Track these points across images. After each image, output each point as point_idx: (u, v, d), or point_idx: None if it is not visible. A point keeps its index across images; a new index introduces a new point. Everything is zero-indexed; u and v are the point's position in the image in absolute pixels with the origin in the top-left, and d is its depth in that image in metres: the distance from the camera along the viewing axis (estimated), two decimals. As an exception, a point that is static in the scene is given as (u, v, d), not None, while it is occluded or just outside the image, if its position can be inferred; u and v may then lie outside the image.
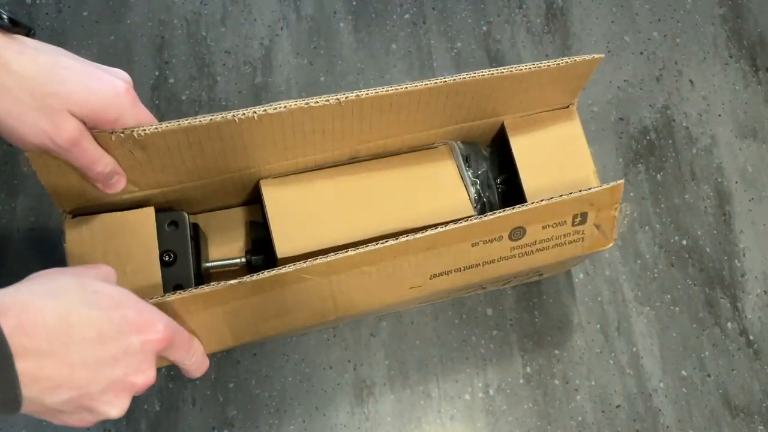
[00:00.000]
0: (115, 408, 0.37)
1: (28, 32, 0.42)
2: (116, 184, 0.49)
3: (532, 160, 0.58)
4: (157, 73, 0.77)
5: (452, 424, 0.67)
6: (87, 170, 0.46)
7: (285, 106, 0.48)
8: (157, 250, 0.51)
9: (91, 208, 0.52)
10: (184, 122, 0.46)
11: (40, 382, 0.33)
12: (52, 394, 0.34)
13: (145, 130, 0.45)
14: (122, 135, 0.45)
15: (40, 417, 0.37)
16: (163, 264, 0.52)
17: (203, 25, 0.80)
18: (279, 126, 0.50)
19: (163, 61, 0.78)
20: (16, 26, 0.41)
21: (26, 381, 0.32)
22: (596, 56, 0.55)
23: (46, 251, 0.70)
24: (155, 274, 0.51)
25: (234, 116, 0.47)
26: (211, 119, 0.47)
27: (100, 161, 0.46)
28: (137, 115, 0.45)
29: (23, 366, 0.32)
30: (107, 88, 0.43)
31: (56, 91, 0.41)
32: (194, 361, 0.46)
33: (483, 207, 0.60)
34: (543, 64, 0.54)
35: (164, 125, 0.46)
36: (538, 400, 0.69)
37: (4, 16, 0.40)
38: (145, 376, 0.39)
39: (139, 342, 0.38)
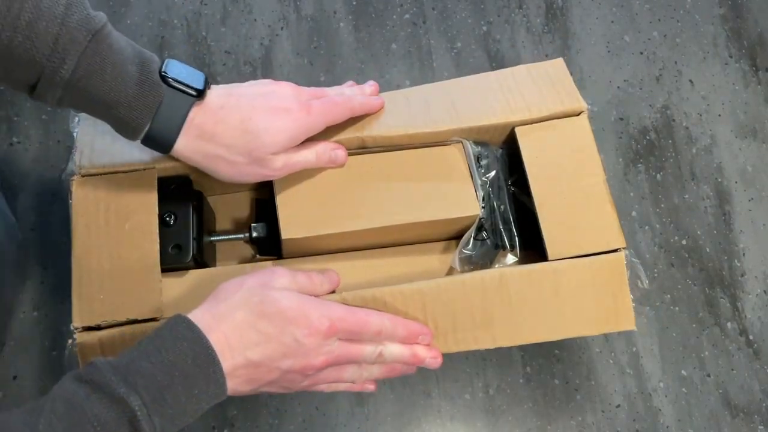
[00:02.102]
0: (298, 384, 0.46)
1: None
2: (339, 157, 0.55)
3: (542, 167, 0.58)
4: (157, 73, 0.77)
5: (452, 424, 0.67)
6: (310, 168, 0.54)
7: None
8: (157, 210, 0.53)
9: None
10: None
11: (234, 378, 0.42)
12: (250, 383, 0.44)
13: None
14: None
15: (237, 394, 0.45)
16: (164, 224, 0.54)
17: (203, 25, 0.80)
18: None
19: (163, 61, 0.78)
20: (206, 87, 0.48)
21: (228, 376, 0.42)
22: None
23: (46, 251, 0.70)
24: (153, 231, 0.53)
25: None
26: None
27: (313, 158, 0.53)
28: (316, 121, 0.51)
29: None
30: (287, 121, 0.49)
31: (256, 146, 0.49)
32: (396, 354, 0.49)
33: (492, 208, 0.60)
34: None
35: None
36: (538, 400, 0.69)
37: (196, 87, 0.47)
38: (312, 364, 0.45)
39: (299, 339, 0.44)
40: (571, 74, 0.60)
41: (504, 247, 0.61)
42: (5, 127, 0.73)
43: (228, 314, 0.43)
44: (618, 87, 0.82)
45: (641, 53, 0.84)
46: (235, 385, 0.43)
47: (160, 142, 0.48)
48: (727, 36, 0.86)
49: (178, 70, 0.47)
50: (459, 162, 0.60)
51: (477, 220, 0.58)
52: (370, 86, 0.57)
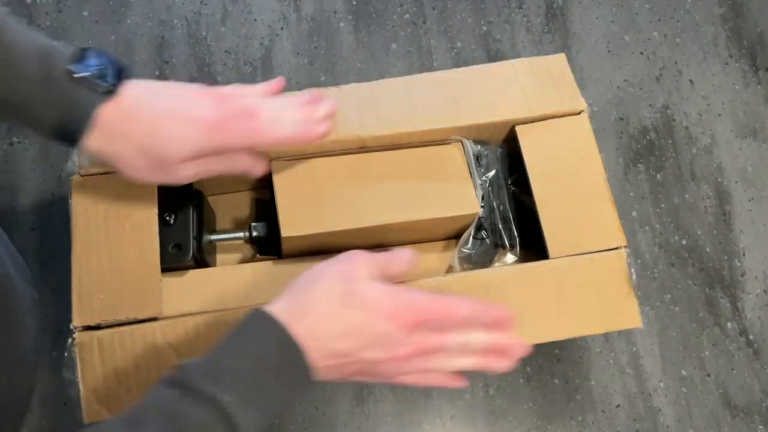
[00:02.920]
0: (385, 372, 0.45)
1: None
2: (260, 166, 0.54)
3: (542, 166, 0.58)
4: (157, 73, 0.77)
5: (452, 424, 0.67)
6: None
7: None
8: (157, 209, 0.53)
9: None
10: None
11: (320, 368, 0.42)
12: (336, 371, 0.43)
13: None
14: None
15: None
16: (164, 223, 0.54)
17: (203, 25, 0.80)
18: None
19: (163, 61, 0.78)
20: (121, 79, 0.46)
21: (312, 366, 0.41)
22: None
23: (46, 251, 0.70)
24: (153, 230, 0.53)
25: None
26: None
27: (234, 165, 0.52)
28: (230, 142, 0.48)
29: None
30: (196, 134, 0.47)
31: (159, 153, 0.46)
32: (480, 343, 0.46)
33: (491, 207, 0.60)
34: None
35: None
36: (538, 399, 0.69)
37: (106, 84, 0.45)
38: (399, 354, 0.43)
39: (384, 330, 0.43)
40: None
41: (504, 246, 0.61)
42: (5, 127, 0.74)
43: (310, 306, 0.42)
44: (618, 87, 0.82)
45: (641, 53, 0.84)
46: (320, 375, 0.42)
47: (68, 139, 0.45)
48: (727, 36, 0.86)
49: (89, 64, 0.44)
50: (459, 161, 0.60)
51: (476, 219, 0.58)
52: (324, 109, 0.53)
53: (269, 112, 0.50)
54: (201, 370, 0.38)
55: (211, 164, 0.49)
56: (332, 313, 0.42)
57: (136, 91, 0.46)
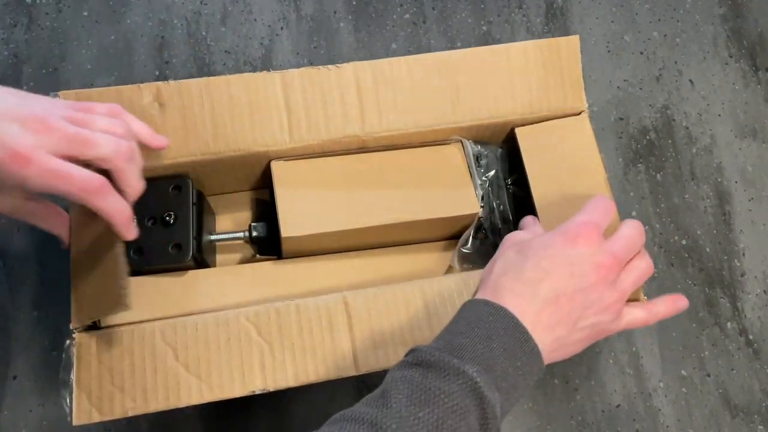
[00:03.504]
0: (610, 313, 0.45)
1: None
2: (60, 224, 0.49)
3: (542, 167, 0.58)
4: (157, 73, 0.77)
5: (452, 424, 0.67)
6: None
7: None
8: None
9: None
10: (202, 79, 0.55)
11: (545, 331, 0.42)
12: (561, 332, 0.43)
13: (170, 82, 0.54)
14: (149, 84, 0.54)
15: (572, 354, 0.45)
16: (164, 224, 0.54)
17: (203, 25, 0.80)
18: (281, 89, 0.55)
19: (163, 61, 0.78)
20: None
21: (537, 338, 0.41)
22: None
23: (46, 250, 0.70)
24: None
25: (239, 76, 0.55)
26: (223, 76, 0.55)
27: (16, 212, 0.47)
28: (32, 182, 0.41)
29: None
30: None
31: None
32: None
33: (491, 207, 0.60)
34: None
35: (184, 80, 0.55)
36: (538, 400, 0.69)
37: None
38: (607, 269, 0.44)
39: (577, 254, 0.44)
40: (571, 74, 0.60)
41: (503, 247, 0.61)
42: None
43: (500, 280, 0.43)
44: (618, 87, 0.82)
45: (641, 53, 0.84)
46: (543, 340, 0.42)
47: None
48: (727, 36, 0.86)
49: None
50: (459, 161, 0.60)
51: (476, 219, 0.59)
52: (157, 141, 0.49)
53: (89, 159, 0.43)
54: (438, 349, 0.39)
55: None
56: (519, 268, 0.43)
57: None
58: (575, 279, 0.43)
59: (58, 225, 0.49)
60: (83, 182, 0.42)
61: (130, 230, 0.47)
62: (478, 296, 0.44)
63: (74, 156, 0.42)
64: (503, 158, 0.62)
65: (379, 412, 0.36)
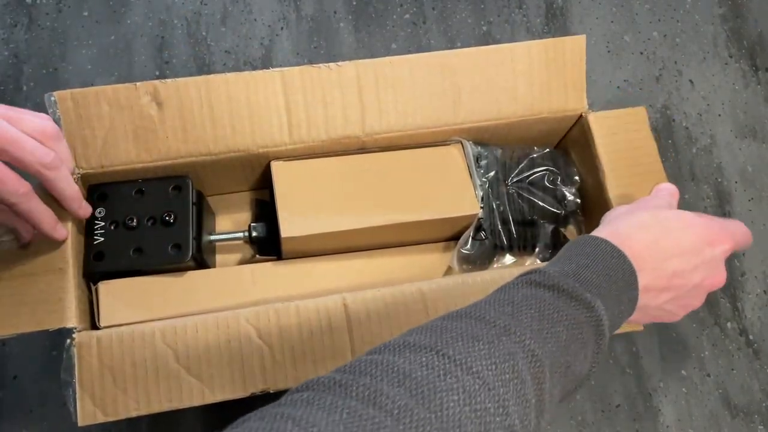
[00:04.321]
0: (697, 302, 0.48)
1: None
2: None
3: (613, 155, 0.59)
4: (157, 73, 0.77)
5: (452, 424, 0.67)
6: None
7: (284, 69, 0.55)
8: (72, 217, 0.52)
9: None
10: (200, 78, 0.54)
11: (649, 291, 0.44)
12: (656, 298, 0.45)
13: (167, 81, 0.53)
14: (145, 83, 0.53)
15: (637, 322, 0.49)
16: (164, 224, 0.54)
17: (203, 25, 0.80)
18: (281, 88, 0.55)
19: (163, 61, 0.78)
20: None
21: (640, 292, 0.43)
22: None
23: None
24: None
25: (237, 74, 0.55)
26: (222, 75, 0.55)
27: None
28: None
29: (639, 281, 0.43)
30: None
31: None
32: None
33: (491, 208, 0.60)
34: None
35: (182, 78, 0.54)
36: (538, 399, 0.69)
37: None
38: (718, 279, 0.47)
39: (710, 253, 0.46)
40: (571, 74, 0.60)
41: (503, 248, 0.61)
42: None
43: (634, 233, 0.44)
44: (618, 87, 0.82)
45: (641, 53, 0.84)
46: (642, 300, 0.44)
47: None
48: (727, 36, 0.85)
49: None
50: (458, 162, 0.60)
51: (476, 220, 0.58)
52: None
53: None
54: (567, 275, 0.40)
55: None
56: (663, 235, 0.44)
57: None
58: (696, 274, 0.45)
59: (16, 221, 0.49)
60: (13, 185, 0.43)
61: (56, 231, 0.49)
62: (601, 235, 0.44)
63: None
64: (504, 157, 0.62)
65: (511, 319, 0.36)
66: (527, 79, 0.58)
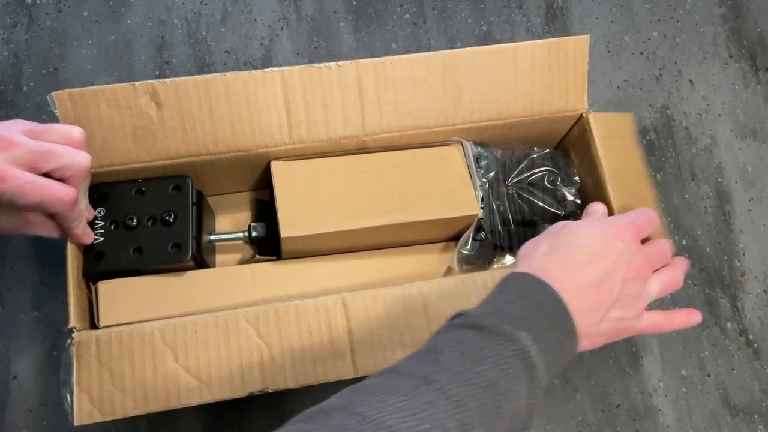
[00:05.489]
0: (641, 299, 0.46)
1: None
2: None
3: (615, 155, 0.59)
4: (157, 73, 0.77)
5: (452, 424, 0.67)
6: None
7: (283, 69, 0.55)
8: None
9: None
10: (199, 78, 0.54)
11: (583, 312, 0.42)
12: (595, 314, 0.43)
13: (165, 81, 0.53)
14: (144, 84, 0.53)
15: (596, 345, 0.45)
16: (164, 223, 0.54)
17: (203, 25, 0.80)
18: (281, 88, 0.55)
19: (163, 61, 0.78)
20: None
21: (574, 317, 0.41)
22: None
23: (46, 251, 0.70)
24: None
25: (237, 74, 0.54)
26: (221, 74, 0.55)
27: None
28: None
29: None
30: None
31: None
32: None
33: (491, 209, 0.60)
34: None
35: (180, 78, 0.54)
36: (538, 400, 0.69)
37: None
38: (640, 266, 0.45)
39: (619, 245, 0.45)
40: (571, 74, 0.60)
41: (503, 248, 0.61)
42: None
43: (547, 258, 0.44)
44: (618, 87, 0.82)
45: (641, 53, 0.84)
46: (582, 322, 0.42)
47: None
48: (727, 36, 0.85)
49: None
50: (459, 162, 0.60)
51: (476, 220, 0.58)
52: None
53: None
54: (489, 314, 0.39)
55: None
56: (566, 252, 0.44)
57: None
58: (618, 270, 0.44)
59: (53, 229, 0.50)
60: (60, 193, 0.45)
61: (88, 236, 0.52)
62: (521, 270, 0.44)
63: (39, 168, 0.44)
64: (504, 158, 0.62)
65: (432, 367, 0.36)
66: (529, 79, 0.58)
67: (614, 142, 0.60)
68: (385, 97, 0.57)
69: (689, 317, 0.50)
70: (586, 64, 0.59)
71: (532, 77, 0.58)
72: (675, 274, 0.49)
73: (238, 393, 0.49)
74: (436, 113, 0.58)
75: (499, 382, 0.36)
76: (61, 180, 0.45)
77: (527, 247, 0.48)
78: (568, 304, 0.41)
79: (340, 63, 0.56)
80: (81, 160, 0.46)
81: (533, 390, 0.37)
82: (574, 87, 0.59)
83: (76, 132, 0.47)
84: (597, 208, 0.53)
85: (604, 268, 0.44)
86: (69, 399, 0.48)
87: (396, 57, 0.57)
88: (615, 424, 0.69)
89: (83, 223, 0.51)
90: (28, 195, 0.43)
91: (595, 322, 0.43)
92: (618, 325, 0.45)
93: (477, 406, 0.34)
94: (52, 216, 0.48)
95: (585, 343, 0.44)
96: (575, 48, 0.59)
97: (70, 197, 0.45)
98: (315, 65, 0.56)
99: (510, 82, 0.58)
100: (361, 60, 0.57)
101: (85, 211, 0.51)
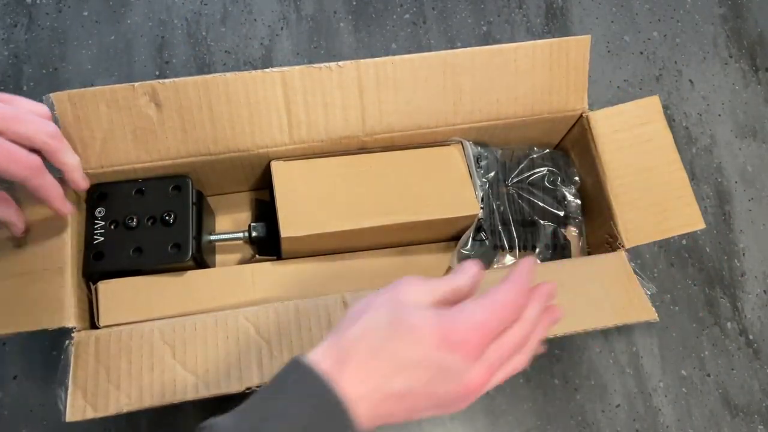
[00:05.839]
0: (456, 403, 0.38)
1: None
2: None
3: (615, 154, 0.59)
4: (157, 73, 0.77)
5: (452, 424, 0.67)
6: None
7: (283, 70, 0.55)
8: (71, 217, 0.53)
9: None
10: (199, 78, 0.54)
11: (373, 418, 0.36)
12: (389, 417, 0.37)
13: (165, 81, 0.53)
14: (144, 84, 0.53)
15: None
16: (164, 223, 0.54)
17: (203, 25, 0.80)
18: (281, 89, 0.54)
19: (163, 61, 0.78)
20: None
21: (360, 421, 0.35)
22: None
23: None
24: (65, 235, 0.52)
25: (237, 74, 0.54)
26: (221, 75, 0.54)
27: None
28: None
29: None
30: None
31: None
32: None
33: (491, 209, 0.60)
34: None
35: (180, 78, 0.53)
36: (538, 399, 0.69)
37: None
38: (462, 388, 0.37)
39: (445, 358, 0.36)
40: (571, 74, 0.60)
41: (503, 248, 0.61)
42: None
43: (354, 345, 0.36)
44: (618, 87, 0.82)
45: (641, 53, 0.84)
46: (378, 423, 0.36)
47: None
48: (727, 36, 0.85)
49: None
50: (459, 162, 0.60)
51: (476, 221, 0.58)
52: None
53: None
54: None
55: None
56: (379, 348, 0.36)
57: None
58: (434, 385, 0.36)
59: (9, 212, 0.49)
60: (27, 161, 0.43)
61: (65, 206, 0.49)
62: (321, 352, 0.36)
63: (3, 131, 0.42)
64: (504, 158, 0.62)
65: None
66: (529, 79, 0.58)
67: (622, 137, 0.59)
68: (386, 97, 0.56)
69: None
70: (587, 64, 0.59)
71: (532, 77, 0.58)
72: (522, 357, 0.41)
73: (235, 388, 0.49)
74: (437, 113, 0.58)
75: None
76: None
77: (350, 311, 0.39)
78: (360, 412, 0.35)
79: (340, 63, 0.56)
80: (49, 128, 0.45)
81: None
82: (574, 87, 0.59)
83: (43, 107, 0.46)
84: (468, 271, 0.40)
85: (414, 382, 0.36)
86: (63, 398, 0.48)
87: (397, 57, 0.57)
88: (615, 424, 0.69)
89: (56, 192, 0.47)
90: None
91: (400, 417, 0.37)
92: (434, 412, 0.38)
93: None
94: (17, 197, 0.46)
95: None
96: (576, 48, 0.59)
97: (35, 163, 0.44)
98: (315, 65, 0.56)
99: (510, 82, 0.58)
100: (362, 60, 0.57)
101: (55, 181, 0.47)
